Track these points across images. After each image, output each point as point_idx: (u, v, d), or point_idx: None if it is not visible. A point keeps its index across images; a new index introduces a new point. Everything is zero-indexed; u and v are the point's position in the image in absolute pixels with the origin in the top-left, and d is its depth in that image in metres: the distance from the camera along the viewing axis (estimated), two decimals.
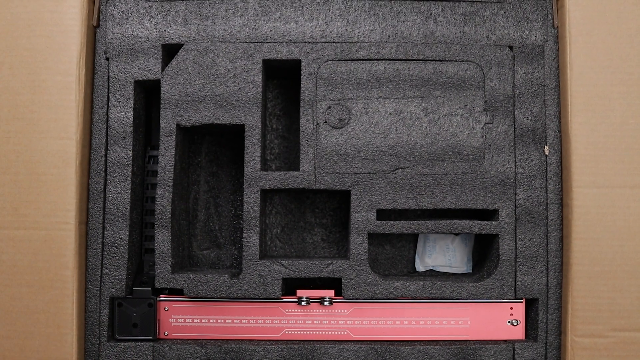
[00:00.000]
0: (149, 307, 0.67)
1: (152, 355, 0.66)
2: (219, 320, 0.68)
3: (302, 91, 0.68)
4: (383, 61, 0.68)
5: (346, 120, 0.68)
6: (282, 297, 0.68)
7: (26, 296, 0.64)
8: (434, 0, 0.69)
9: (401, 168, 0.68)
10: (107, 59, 0.69)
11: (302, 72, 0.68)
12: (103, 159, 0.68)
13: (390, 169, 0.68)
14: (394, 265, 0.77)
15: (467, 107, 0.68)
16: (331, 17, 0.70)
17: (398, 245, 0.78)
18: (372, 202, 0.68)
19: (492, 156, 0.68)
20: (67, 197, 0.65)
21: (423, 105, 0.68)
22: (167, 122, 0.68)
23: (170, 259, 0.67)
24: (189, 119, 0.68)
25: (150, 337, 0.67)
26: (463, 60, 0.68)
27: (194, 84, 0.68)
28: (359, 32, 0.69)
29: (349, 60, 0.69)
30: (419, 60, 0.69)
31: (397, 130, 0.68)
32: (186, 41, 0.69)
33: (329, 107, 0.68)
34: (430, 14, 0.69)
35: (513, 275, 0.67)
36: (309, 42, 0.69)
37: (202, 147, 0.78)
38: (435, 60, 0.69)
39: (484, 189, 0.68)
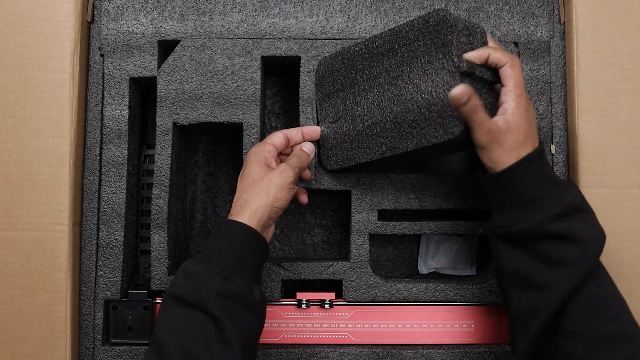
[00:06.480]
0: (145, 310, 0.66)
1: None
2: None
3: (301, 89, 0.67)
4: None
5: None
6: (282, 299, 0.67)
7: (18, 299, 0.63)
8: None
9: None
10: (101, 55, 0.68)
11: (301, 69, 0.67)
12: (97, 158, 0.67)
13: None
14: (396, 267, 0.76)
15: None
16: (332, 13, 0.68)
17: (400, 246, 0.76)
18: (373, 203, 0.67)
19: None
20: (60, 198, 0.64)
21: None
22: (164, 120, 0.66)
23: (167, 260, 0.65)
24: (186, 117, 0.66)
25: (146, 341, 0.65)
26: None
27: (191, 82, 0.66)
28: (360, 29, 0.68)
29: None
30: None
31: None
32: (183, 37, 0.68)
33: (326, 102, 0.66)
34: None
35: None
36: (309, 39, 0.68)
37: (200, 146, 0.77)
38: None
39: None
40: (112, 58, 0.67)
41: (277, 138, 0.61)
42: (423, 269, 0.75)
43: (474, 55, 0.53)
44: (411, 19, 0.57)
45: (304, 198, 0.64)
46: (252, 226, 0.55)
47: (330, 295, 0.67)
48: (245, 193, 0.56)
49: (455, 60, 0.52)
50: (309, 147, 0.63)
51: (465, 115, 0.52)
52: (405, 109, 0.57)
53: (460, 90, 0.51)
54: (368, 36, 0.68)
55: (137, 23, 0.68)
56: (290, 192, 0.58)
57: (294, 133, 0.63)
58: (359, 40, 0.63)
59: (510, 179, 0.53)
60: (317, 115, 0.66)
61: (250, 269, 0.55)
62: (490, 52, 0.53)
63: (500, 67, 0.54)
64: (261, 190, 0.56)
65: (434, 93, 0.54)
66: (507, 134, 0.53)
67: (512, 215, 0.54)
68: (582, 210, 0.54)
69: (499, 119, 0.53)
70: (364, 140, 0.61)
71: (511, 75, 0.53)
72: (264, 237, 0.56)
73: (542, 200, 0.53)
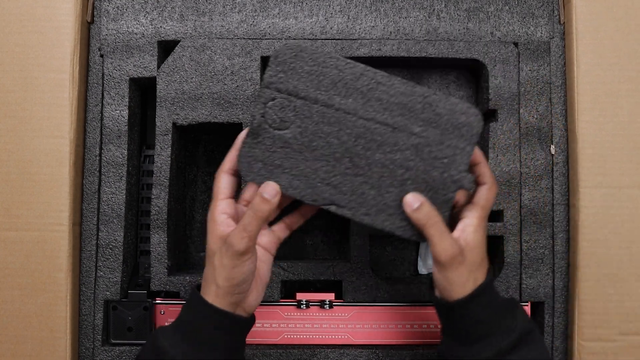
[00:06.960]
0: (145, 311, 0.66)
1: None
2: None
3: None
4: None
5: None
6: (281, 300, 0.67)
7: (18, 299, 0.63)
8: None
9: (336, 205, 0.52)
10: (101, 55, 0.68)
11: None
12: (97, 158, 0.67)
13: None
14: (396, 268, 0.76)
15: None
16: (331, 13, 0.68)
17: (400, 247, 0.76)
18: None
19: (497, 156, 0.66)
20: (60, 198, 0.64)
21: None
22: (163, 120, 0.66)
23: (167, 261, 0.65)
24: (186, 117, 0.66)
25: (146, 342, 0.65)
26: (467, 57, 0.67)
27: (191, 82, 0.66)
28: (359, 29, 0.68)
29: (350, 57, 0.67)
30: (420, 57, 0.67)
31: None
32: (183, 38, 0.68)
33: (273, 99, 0.52)
34: (433, 10, 0.68)
35: (518, 278, 0.66)
36: (309, 39, 0.68)
37: (199, 146, 0.77)
38: (438, 58, 0.67)
39: None
40: (111, 58, 0.67)
41: (224, 186, 0.52)
42: (423, 269, 0.75)
43: (475, 155, 0.52)
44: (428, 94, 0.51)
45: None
46: (218, 304, 0.49)
47: (330, 296, 0.67)
48: (208, 265, 0.51)
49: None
50: (269, 191, 0.49)
51: (418, 225, 0.49)
52: (382, 175, 0.51)
53: (412, 196, 0.50)
54: (367, 37, 0.68)
55: (137, 23, 0.68)
56: (248, 263, 0.49)
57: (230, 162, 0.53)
58: (332, 52, 0.58)
59: (462, 313, 0.50)
60: (255, 104, 0.53)
61: (222, 344, 0.50)
62: (482, 165, 0.53)
63: (478, 184, 0.53)
64: (217, 268, 0.50)
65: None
66: (469, 253, 0.50)
67: (461, 349, 0.51)
68: (529, 331, 0.50)
69: (458, 235, 0.50)
70: (310, 179, 0.51)
71: (485, 198, 0.52)
72: (233, 314, 0.50)
73: (492, 335, 0.49)
